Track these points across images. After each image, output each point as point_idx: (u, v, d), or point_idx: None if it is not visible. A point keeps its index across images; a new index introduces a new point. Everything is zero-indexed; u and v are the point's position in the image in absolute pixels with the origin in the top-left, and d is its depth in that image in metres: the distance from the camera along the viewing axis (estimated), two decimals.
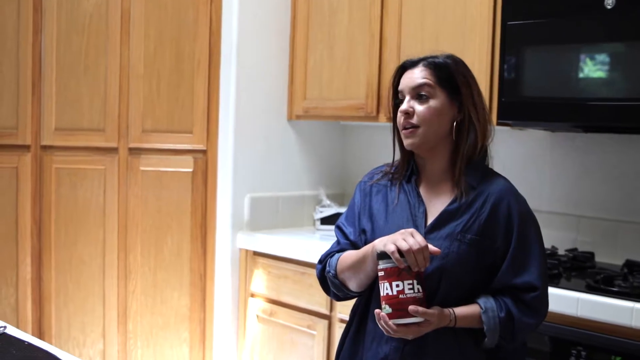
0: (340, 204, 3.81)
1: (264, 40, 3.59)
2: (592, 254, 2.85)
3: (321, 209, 3.68)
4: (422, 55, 1.93)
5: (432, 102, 1.85)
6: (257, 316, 3.45)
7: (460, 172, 1.87)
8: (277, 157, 3.69)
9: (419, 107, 1.86)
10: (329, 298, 3.11)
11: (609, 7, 2.49)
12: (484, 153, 1.91)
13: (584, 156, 3.02)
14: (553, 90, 2.68)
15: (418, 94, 1.87)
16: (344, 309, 3.05)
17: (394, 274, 1.73)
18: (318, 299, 3.16)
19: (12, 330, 2.01)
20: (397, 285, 1.73)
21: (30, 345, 1.85)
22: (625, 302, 2.23)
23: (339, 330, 3.08)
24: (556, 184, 3.10)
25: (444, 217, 1.86)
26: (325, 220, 3.65)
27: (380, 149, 3.79)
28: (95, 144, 3.58)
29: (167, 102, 3.57)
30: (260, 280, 3.43)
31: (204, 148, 3.58)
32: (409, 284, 1.73)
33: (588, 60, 2.59)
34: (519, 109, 2.76)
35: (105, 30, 3.53)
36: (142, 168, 3.58)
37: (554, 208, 3.07)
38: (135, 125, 3.57)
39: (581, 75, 2.61)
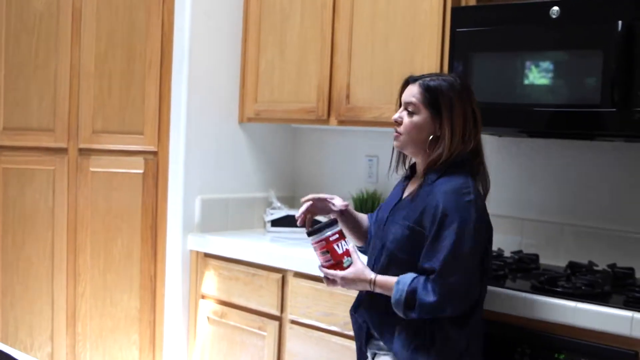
0: (291, 206, 3.83)
1: (216, 43, 3.60)
2: (536, 256, 2.92)
3: (272, 211, 3.69)
4: (425, 73, 2.33)
5: (415, 118, 2.24)
6: (208, 318, 3.45)
7: (421, 175, 2.28)
8: (228, 159, 3.70)
9: (405, 119, 2.26)
10: (279, 299, 3.14)
11: (553, 16, 2.56)
12: (455, 159, 2.20)
13: (529, 160, 3.10)
14: (499, 96, 2.74)
15: (407, 108, 2.26)
16: (294, 310, 3.08)
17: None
18: (268, 300, 3.18)
19: None
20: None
21: None
22: (568, 302, 2.29)
23: (289, 331, 3.11)
24: (501, 187, 3.16)
25: (400, 206, 2.30)
26: (275, 222, 3.67)
27: (330, 152, 3.85)
28: (45, 144, 3.54)
29: (118, 102, 3.55)
30: (211, 281, 3.43)
31: (155, 149, 3.57)
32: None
33: (533, 68, 2.66)
34: None
35: (55, 29, 3.51)
36: (92, 169, 3.56)
37: (499, 211, 3.11)
38: (86, 126, 3.54)
39: (526, 81, 2.68)
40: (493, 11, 2.76)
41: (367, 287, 2.23)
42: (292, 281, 3.10)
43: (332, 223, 2.28)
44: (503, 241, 3.04)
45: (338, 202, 2.45)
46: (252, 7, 3.62)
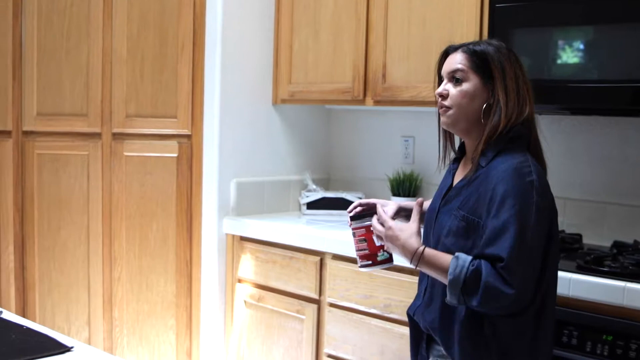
0: (326, 189, 3.81)
1: (248, 24, 3.56)
2: (579, 236, 2.87)
3: (307, 194, 3.67)
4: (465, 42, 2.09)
5: (465, 85, 2.01)
6: (245, 302, 3.43)
7: (478, 152, 1.99)
8: (262, 142, 3.67)
9: (452, 90, 2.02)
10: (317, 282, 3.12)
11: None
12: (512, 134, 1.98)
13: (570, 138, 3.04)
14: (541, 73, 2.68)
15: (453, 77, 2.03)
16: (333, 293, 3.05)
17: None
18: (306, 284, 3.15)
19: (8, 315, 2.00)
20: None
21: (29, 329, 1.84)
22: (616, 282, 2.24)
23: (328, 314, 3.08)
24: None
25: (452, 194, 2.07)
26: (311, 205, 3.64)
27: (366, 133, 3.81)
28: (78, 129, 3.53)
29: (150, 86, 3.52)
30: (248, 265, 3.41)
31: (189, 133, 3.54)
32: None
33: (576, 43, 2.60)
34: None
35: (87, 12, 3.48)
36: (126, 153, 3.54)
37: None
38: (119, 110, 3.53)
39: (569, 57, 2.62)
40: None
41: (408, 258, 1.99)
42: (330, 264, 3.07)
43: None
44: None
45: (390, 211, 2.19)
46: None
